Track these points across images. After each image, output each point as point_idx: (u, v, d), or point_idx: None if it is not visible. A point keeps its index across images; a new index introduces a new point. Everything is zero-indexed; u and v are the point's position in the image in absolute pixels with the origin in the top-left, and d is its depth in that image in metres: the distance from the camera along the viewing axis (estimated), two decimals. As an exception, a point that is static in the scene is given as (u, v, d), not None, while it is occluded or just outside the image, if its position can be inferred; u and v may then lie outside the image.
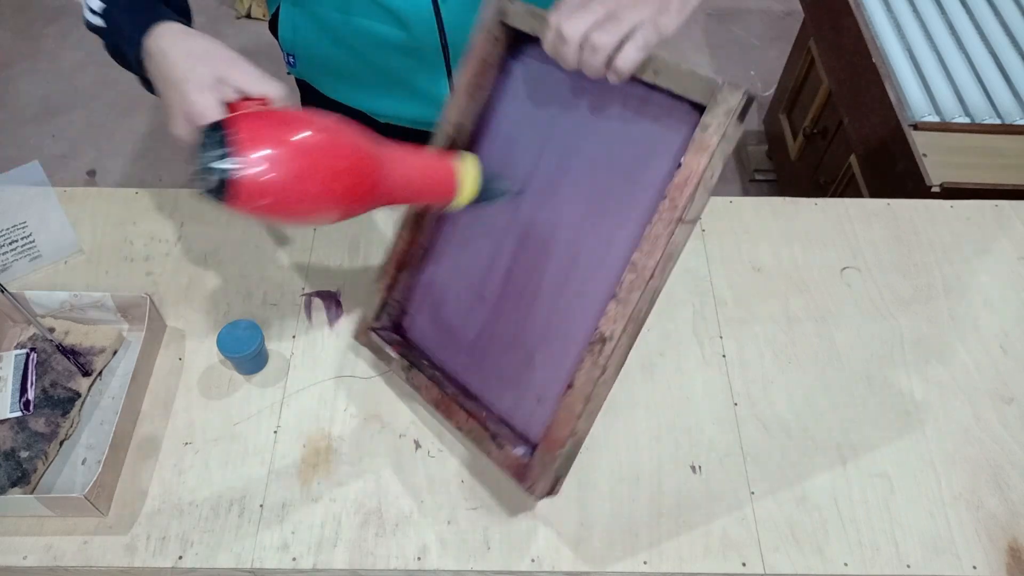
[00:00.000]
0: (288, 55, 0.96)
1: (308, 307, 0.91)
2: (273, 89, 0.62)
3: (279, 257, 0.96)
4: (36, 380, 0.82)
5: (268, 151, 0.52)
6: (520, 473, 0.69)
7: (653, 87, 0.64)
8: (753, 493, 0.78)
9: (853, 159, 1.46)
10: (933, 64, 1.37)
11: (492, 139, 0.76)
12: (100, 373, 0.85)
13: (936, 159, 1.21)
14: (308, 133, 0.55)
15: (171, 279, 0.94)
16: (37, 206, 0.89)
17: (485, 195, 0.66)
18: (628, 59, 0.60)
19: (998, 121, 1.28)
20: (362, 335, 0.85)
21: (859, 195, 1.42)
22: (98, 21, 0.71)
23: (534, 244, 0.74)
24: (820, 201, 1.02)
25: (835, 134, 1.57)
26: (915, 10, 1.48)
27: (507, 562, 0.74)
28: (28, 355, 0.83)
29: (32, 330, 0.86)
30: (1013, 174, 1.20)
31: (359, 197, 0.58)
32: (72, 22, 2.61)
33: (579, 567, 0.74)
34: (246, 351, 0.82)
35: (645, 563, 0.74)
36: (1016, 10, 1.45)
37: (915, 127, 1.25)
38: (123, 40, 0.68)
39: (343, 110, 0.98)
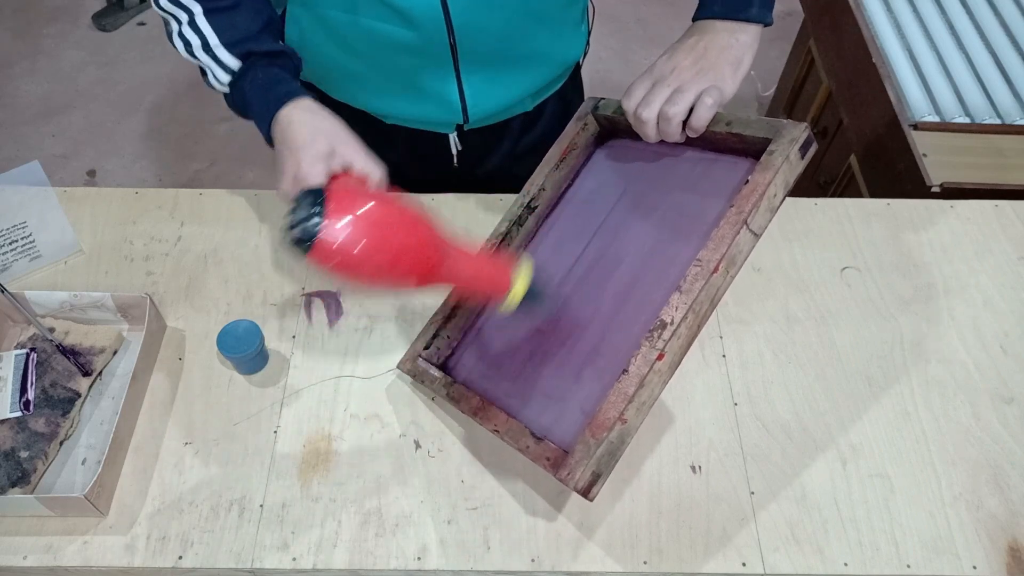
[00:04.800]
0: None
1: (308, 307, 0.91)
2: (374, 170, 0.70)
3: (279, 257, 0.96)
4: (36, 380, 0.82)
5: (349, 221, 0.60)
6: (557, 463, 0.66)
7: (724, 143, 0.73)
8: (753, 493, 0.78)
9: (853, 159, 1.46)
10: (933, 64, 1.37)
11: (570, 198, 0.87)
12: (100, 373, 0.85)
13: (936, 159, 1.20)
14: (387, 213, 0.63)
15: (171, 279, 0.94)
16: (37, 206, 0.89)
17: (530, 302, 0.72)
18: (701, 118, 0.71)
19: (998, 121, 1.27)
20: (408, 362, 0.84)
21: (859, 195, 1.42)
22: (223, 89, 0.80)
23: (597, 276, 0.77)
24: (820, 201, 1.02)
25: (835, 134, 1.57)
26: (915, 10, 1.48)
27: (507, 562, 0.74)
28: (28, 355, 0.83)
29: (32, 330, 0.86)
30: (1013, 174, 1.20)
31: (418, 276, 0.65)
32: (72, 22, 2.61)
33: (579, 567, 0.74)
34: (246, 351, 0.82)
35: (645, 563, 0.74)
36: (1016, 10, 1.44)
37: (915, 127, 1.25)
38: (251, 111, 0.77)
39: (349, 112, 0.98)
